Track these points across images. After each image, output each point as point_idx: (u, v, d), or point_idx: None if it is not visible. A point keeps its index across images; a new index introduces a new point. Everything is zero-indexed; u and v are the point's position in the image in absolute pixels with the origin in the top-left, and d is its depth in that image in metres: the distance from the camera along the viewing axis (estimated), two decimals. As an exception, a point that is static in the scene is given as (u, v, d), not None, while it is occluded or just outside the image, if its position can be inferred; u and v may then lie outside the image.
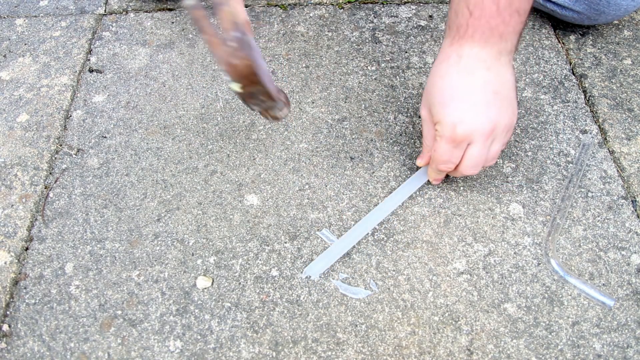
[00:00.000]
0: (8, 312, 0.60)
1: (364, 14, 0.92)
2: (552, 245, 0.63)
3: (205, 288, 0.62)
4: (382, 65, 0.84)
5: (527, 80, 0.82)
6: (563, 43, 0.88)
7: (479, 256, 0.64)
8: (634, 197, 0.69)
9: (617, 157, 0.73)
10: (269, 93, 0.53)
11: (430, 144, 0.63)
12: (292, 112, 0.78)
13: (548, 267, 0.62)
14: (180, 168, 0.72)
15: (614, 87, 0.81)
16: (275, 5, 0.93)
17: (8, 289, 0.61)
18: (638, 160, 0.73)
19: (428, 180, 0.69)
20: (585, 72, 0.83)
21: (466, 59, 0.57)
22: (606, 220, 0.67)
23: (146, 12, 0.92)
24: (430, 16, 0.91)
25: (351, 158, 0.73)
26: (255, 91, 0.52)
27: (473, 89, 0.57)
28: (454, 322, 0.59)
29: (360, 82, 0.82)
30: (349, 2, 0.93)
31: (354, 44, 0.87)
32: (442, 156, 0.60)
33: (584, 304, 0.61)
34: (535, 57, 0.85)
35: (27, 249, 0.65)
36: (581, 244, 0.65)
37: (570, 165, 0.72)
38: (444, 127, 0.58)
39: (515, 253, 0.64)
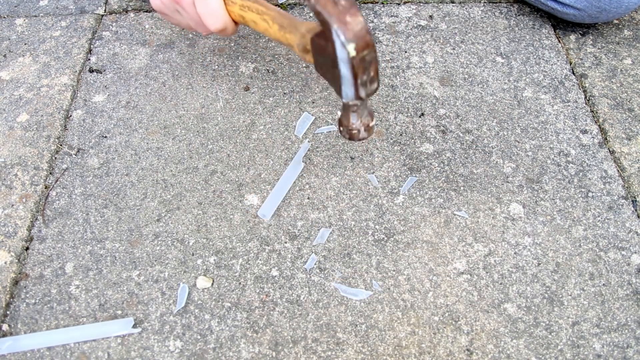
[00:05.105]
0: (8, 312, 0.60)
1: (364, 14, 0.91)
2: None
3: (205, 288, 0.62)
4: (382, 65, 0.84)
5: (527, 80, 0.82)
6: (563, 43, 0.87)
7: (479, 256, 0.64)
8: (634, 197, 0.69)
9: (618, 157, 0.73)
10: (377, 61, 0.51)
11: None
12: (292, 112, 0.78)
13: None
14: (181, 168, 0.72)
15: (614, 87, 0.81)
16: (276, 6, 0.92)
17: (8, 289, 0.61)
18: (638, 160, 0.73)
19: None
20: (586, 72, 0.83)
21: None
22: (606, 220, 0.67)
23: (146, 12, 0.92)
24: (431, 16, 0.91)
25: (351, 158, 0.73)
26: (367, 56, 0.50)
27: None
28: (454, 322, 0.59)
29: (360, 82, 0.81)
30: (349, 1, 0.93)
31: (354, 44, 0.87)
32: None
33: (584, 304, 0.61)
34: (535, 56, 0.85)
35: (27, 248, 0.65)
36: (581, 244, 0.65)
37: (571, 165, 0.72)
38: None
39: (515, 253, 0.64)
